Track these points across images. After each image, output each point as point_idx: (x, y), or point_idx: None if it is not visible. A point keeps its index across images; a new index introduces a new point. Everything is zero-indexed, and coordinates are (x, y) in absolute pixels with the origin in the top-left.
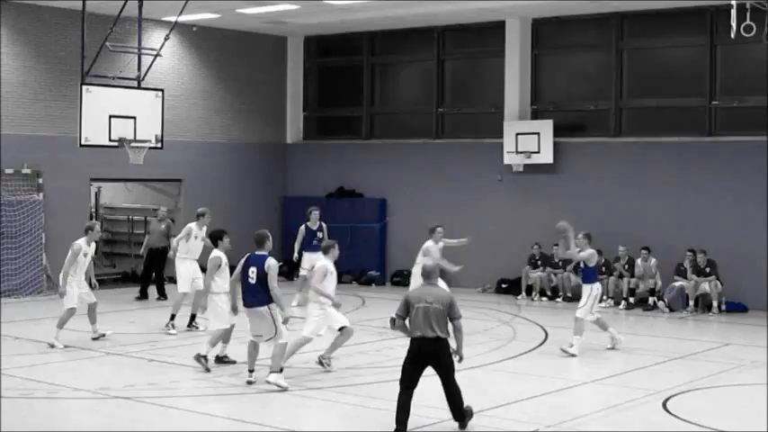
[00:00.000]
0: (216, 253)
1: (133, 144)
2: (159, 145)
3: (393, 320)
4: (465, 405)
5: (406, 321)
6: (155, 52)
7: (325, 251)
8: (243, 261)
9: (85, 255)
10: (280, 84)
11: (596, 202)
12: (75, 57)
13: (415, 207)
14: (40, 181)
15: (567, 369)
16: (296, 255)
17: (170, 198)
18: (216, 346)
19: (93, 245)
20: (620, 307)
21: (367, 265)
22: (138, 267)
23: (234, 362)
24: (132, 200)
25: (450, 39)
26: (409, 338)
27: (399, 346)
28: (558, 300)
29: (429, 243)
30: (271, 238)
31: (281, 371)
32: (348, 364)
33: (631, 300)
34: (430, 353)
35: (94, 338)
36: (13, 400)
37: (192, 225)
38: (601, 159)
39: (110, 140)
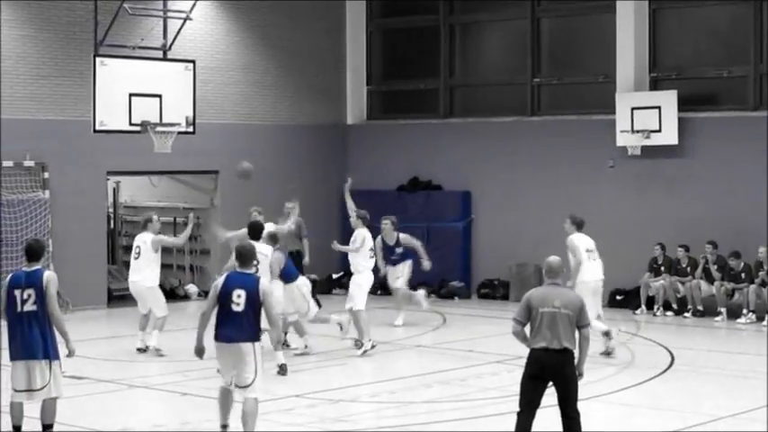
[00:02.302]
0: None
1: (159, 128)
2: (191, 129)
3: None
4: None
5: (527, 328)
6: (184, 15)
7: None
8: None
9: (156, 251)
10: (337, 52)
11: (732, 192)
12: (86, 23)
13: (506, 201)
14: (46, 176)
15: (698, 401)
16: None
17: (204, 194)
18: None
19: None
20: (764, 323)
21: (448, 274)
22: (165, 281)
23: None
24: (158, 197)
25: None
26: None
27: (488, 374)
28: (687, 314)
29: None
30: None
31: None
32: (426, 396)
33: None
34: (552, 367)
35: (140, 349)
36: None
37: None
38: (737, 138)
39: (130, 124)
